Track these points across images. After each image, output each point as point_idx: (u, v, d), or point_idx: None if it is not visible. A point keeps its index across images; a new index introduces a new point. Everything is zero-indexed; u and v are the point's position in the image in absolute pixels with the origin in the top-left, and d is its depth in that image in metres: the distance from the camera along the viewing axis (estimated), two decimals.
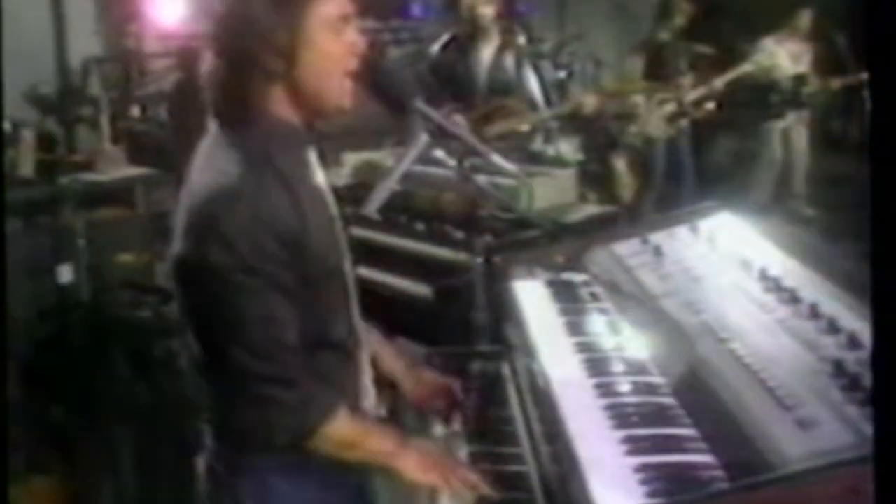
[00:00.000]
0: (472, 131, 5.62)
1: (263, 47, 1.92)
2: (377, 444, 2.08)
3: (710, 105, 8.07)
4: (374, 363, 2.38)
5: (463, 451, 2.26)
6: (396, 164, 2.81)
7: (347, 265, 2.18)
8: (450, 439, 2.37)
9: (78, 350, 4.05)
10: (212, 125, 2.05)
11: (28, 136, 4.80)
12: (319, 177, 2.13)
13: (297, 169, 2.02)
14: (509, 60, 5.87)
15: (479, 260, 3.08)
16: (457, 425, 2.39)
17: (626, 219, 4.31)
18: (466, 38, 5.87)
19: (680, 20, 7.32)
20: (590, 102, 6.01)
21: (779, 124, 7.85)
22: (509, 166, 2.39)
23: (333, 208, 2.14)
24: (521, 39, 6.16)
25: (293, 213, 1.94)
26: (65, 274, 4.20)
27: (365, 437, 2.08)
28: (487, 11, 5.77)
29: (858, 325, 1.90)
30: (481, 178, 2.65)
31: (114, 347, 3.82)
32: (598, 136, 7.11)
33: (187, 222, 1.94)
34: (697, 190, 7.53)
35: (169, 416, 2.21)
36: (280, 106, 2.00)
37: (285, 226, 1.91)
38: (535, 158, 5.69)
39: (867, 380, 1.72)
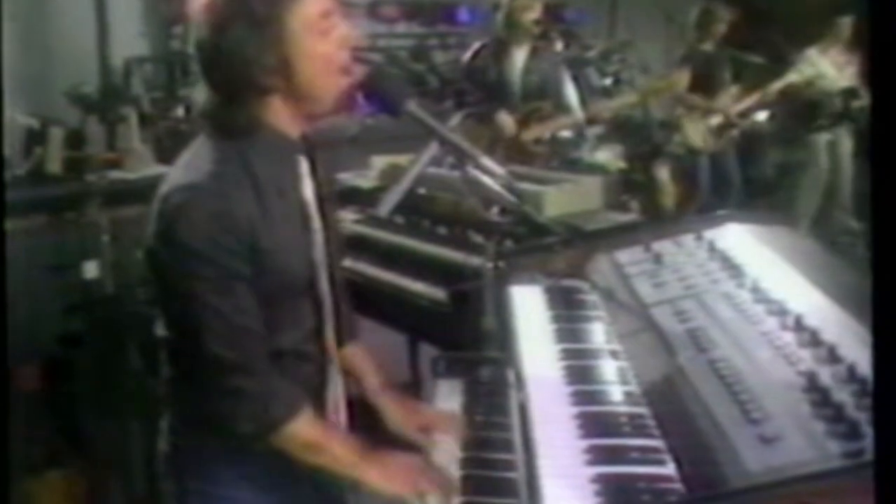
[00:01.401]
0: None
1: (255, 71, 1.92)
2: (341, 451, 2.04)
3: (760, 116, 8.00)
4: (358, 383, 2.39)
5: (455, 457, 2.24)
6: (409, 168, 2.81)
7: (322, 282, 2.16)
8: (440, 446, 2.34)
9: (96, 345, 4.09)
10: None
11: (56, 133, 4.87)
12: (307, 192, 2.12)
13: (279, 179, 2.03)
14: (543, 64, 5.88)
15: (490, 265, 3.06)
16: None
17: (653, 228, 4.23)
18: (499, 43, 5.91)
19: (720, 28, 7.23)
20: (608, 108, 5.98)
21: (825, 136, 7.74)
22: (500, 170, 2.36)
23: (315, 224, 2.13)
24: (559, 45, 6.13)
25: (258, 219, 1.94)
26: (91, 270, 4.25)
27: (329, 442, 2.05)
28: (528, 16, 5.80)
29: (840, 337, 1.87)
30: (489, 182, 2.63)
31: (128, 342, 3.86)
32: (642, 145, 7.05)
33: (155, 212, 1.96)
34: (742, 201, 7.44)
35: None
36: (276, 115, 2.01)
37: (243, 224, 1.92)
38: (573, 165, 5.68)
39: (838, 395, 1.68)
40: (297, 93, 1.99)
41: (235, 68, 1.92)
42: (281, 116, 2.01)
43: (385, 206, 2.81)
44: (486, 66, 5.90)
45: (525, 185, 3.90)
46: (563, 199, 3.98)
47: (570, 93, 5.75)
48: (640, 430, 1.88)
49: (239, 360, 1.94)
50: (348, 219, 4.19)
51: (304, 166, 2.12)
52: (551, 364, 2.22)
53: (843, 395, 1.67)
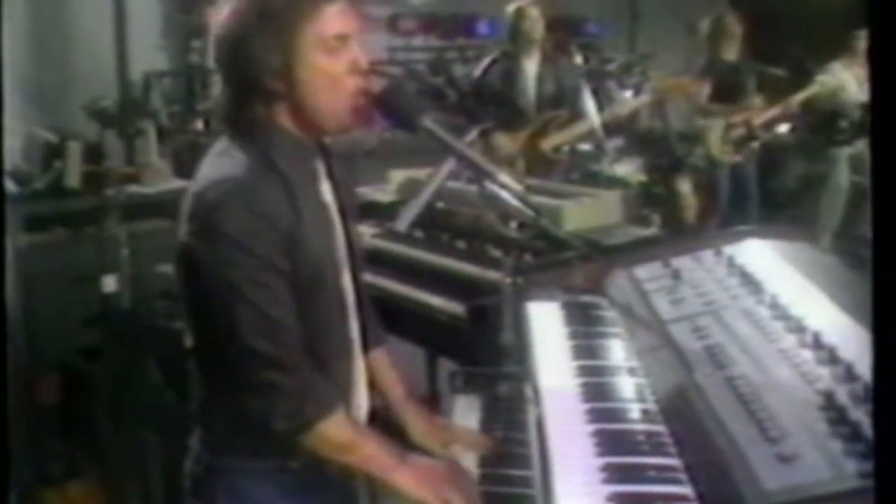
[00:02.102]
0: (529, 145, 5.76)
1: (260, 69, 1.94)
2: (374, 452, 2.05)
3: (782, 128, 7.95)
4: (380, 390, 2.38)
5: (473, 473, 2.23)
6: (427, 182, 2.80)
7: (346, 282, 2.17)
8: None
9: (114, 357, 4.11)
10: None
11: (75, 147, 4.90)
12: (326, 193, 2.13)
13: (301, 179, 2.04)
14: (557, 73, 5.93)
15: (508, 280, 3.05)
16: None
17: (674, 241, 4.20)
18: (508, 57, 5.96)
19: (733, 40, 7.19)
20: (625, 108, 5.99)
21: (847, 149, 7.69)
22: (516, 185, 2.35)
23: (336, 225, 2.14)
24: (578, 59, 6.14)
25: (290, 211, 1.96)
26: (109, 284, 4.26)
27: (362, 442, 2.05)
28: (530, 25, 5.86)
29: (858, 355, 1.85)
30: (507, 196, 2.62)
31: (147, 355, 3.87)
32: (662, 158, 7.01)
33: (190, 209, 1.97)
34: (764, 214, 7.39)
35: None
36: (286, 121, 2.02)
37: (280, 218, 1.93)
38: (592, 179, 5.67)
39: (855, 414, 1.67)
40: (300, 102, 2.00)
41: (241, 63, 1.95)
42: (290, 121, 2.03)
43: (403, 221, 2.79)
44: (498, 80, 5.95)
45: (543, 200, 3.89)
46: (581, 213, 3.97)
47: (589, 104, 5.75)
48: (656, 448, 1.86)
49: (275, 355, 1.94)
50: (367, 233, 4.18)
51: (321, 169, 2.13)
52: (568, 381, 2.21)
53: (860, 414, 1.66)
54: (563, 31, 6.89)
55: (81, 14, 6.50)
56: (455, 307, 3.66)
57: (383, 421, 2.39)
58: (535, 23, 5.92)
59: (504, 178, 2.32)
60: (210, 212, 1.91)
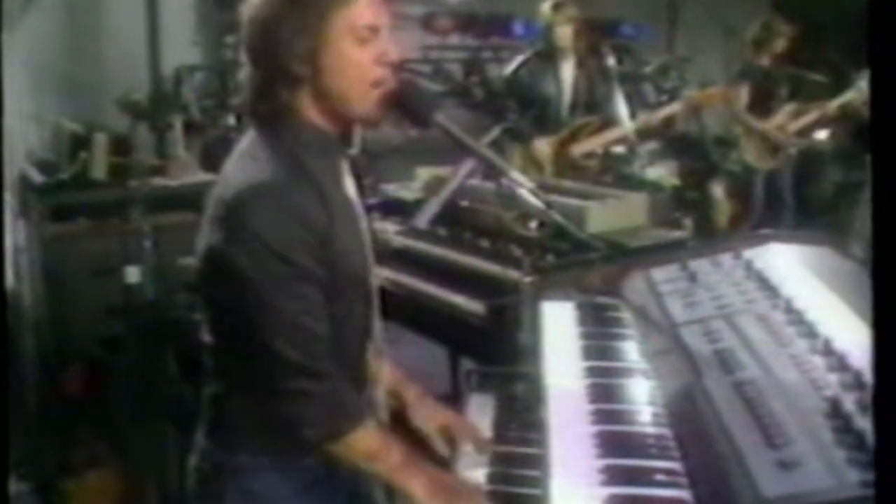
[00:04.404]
0: (558, 151, 5.72)
1: (287, 52, 1.94)
2: (395, 461, 2.04)
3: (820, 135, 7.86)
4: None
5: (481, 473, 2.21)
6: (448, 180, 2.79)
7: (373, 279, 2.16)
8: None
9: (135, 349, 4.13)
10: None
11: (100, 139, 4.93)
12: (350, 188, 2.12)
13: (327, 174, 2.03)
14: (590, 76, 5.89)
15: (527, 279, 3.03)
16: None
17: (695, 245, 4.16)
18: (545, 57, 5.92)
19: (780, 44, 7.12)
20: (657, 116, 5.94)
21: None
22: (528, 184, 2.33)
23: (363, 221, 2.13)
24: (611, 60, 6.08)
25: (322, 211, 1.95)
26: (132, 275, 4.28)
27: (386, 451, 2.05)
28: (566, 30, 5.82)
29: (867, 362, 1.81)
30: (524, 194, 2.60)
31: (167, 348, 3.88)
32: (698, 162, 6.95)
33: (218, 213, 1.96)
34: (800, 221, 7.32)
35: None
36: (310, 111, 2.02)
37: (314, 221, 1.92)
38: (625, 181, 5.63)
39: (860, 422, 1.64)
40: (324, 89, 1.99)
41: (269, 45, 1.95)
42: (313, 111, 2.02)
43: (422, 218, 2.79)
44: (530, 80, 5.92)
45: (568, 200, 3.87)
46: (606, 214, 3.93)
47: (621, 108, 5.70)
48: (658, 451, 1.84)
49: (305, 364, 1.93)
50: (391, 230, 4.18)
51: (344, 165, 2.12)
52: (575, 381, 2.19)
53: (865, 423, 1.62)
54: (598, 32, 6.81)
55: (115, 9, 6.54)
56: (476, 306, 3.64)
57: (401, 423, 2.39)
58: (564, 32, 5.87)
59: (515, 174, 2.31)
60: (243, 218, 1.89)
